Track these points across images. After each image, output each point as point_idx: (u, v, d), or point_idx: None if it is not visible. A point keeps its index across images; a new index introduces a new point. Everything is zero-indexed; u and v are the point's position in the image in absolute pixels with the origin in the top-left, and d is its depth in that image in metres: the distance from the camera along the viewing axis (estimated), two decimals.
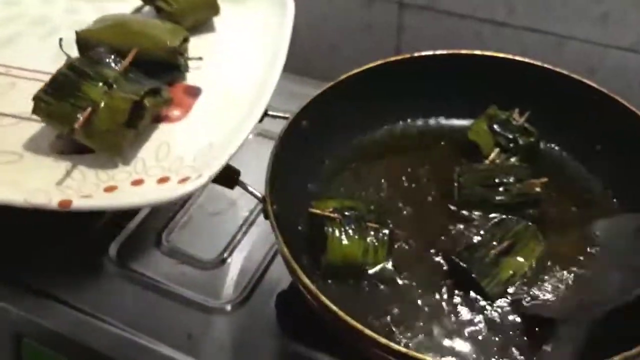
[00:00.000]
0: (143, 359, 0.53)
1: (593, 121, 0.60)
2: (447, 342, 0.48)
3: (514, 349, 0.46)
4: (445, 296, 0.50)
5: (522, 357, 0.45)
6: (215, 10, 0.62)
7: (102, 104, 0.47)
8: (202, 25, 0.62)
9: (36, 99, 0.48)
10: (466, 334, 0.48)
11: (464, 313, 0.49)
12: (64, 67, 0.49)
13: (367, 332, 0.40)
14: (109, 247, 0.61)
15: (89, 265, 0.60)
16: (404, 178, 0.60)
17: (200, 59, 0.58)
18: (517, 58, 0.61)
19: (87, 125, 0.47)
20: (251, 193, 0.51)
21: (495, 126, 0.60)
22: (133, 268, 0.60)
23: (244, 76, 0.56)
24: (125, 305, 0.57)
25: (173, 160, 0.48)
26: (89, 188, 0.46)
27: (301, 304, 0.47)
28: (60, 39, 0.56)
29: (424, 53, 0.62)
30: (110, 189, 0.46)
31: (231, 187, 0.51)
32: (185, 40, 0.58)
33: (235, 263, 0.60)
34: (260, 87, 0.53)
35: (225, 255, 0.60)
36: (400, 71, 0.62)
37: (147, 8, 0.64)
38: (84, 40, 0.55)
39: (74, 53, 0.56)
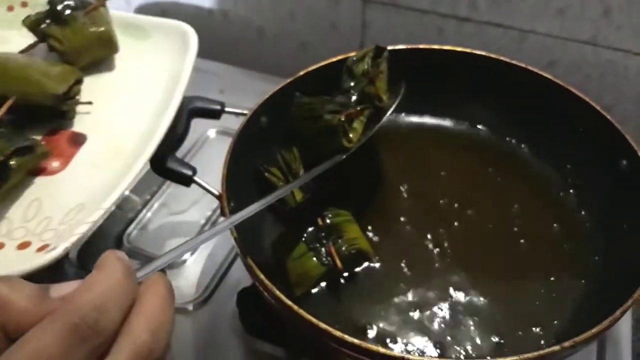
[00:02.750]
0: None
1: (551, 114, 0.60)
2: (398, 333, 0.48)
3: None
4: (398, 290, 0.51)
5: None
6: (113, 48, 0.56)
7: None
8: (101, 64, 0.56)
9: None
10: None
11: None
12: None
13: (322, 325, 0.40)
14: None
15: (48, 269, 0.59)
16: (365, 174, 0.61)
17: (90, 103, 0.52)
18: (475, 52, 0.62)
19: None
20: (207, 190, 0.50)
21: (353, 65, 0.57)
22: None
23: (132, 121, 0.50)
24: None
25: (40, 221, 0.44)
26: None
27: (262, 301, 0.47)
28: None
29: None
30: None
31: (187, 184, 0.51)
32: (78, 82, 0.52)
33: (197, 263, 0.59)
34: (146, 135, 0.47)
35: (187, 254, 0.60)
36: None
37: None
38: None
39: None
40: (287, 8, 0.85)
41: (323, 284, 0.51)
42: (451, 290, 0.51)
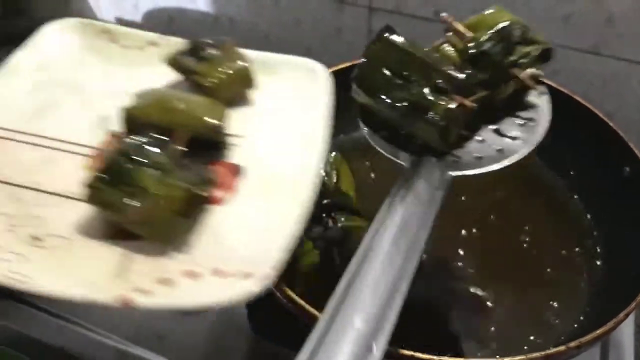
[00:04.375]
0: None
1: (554, 121, 0.61)
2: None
3: None
4: None
5: None
6: (250, 83, 0.57)
7: (157, 193, 0.43)
8: (237, 99, 0.57)
9: (91, 187, 0.44)
10: None
11: None
12: (116, 152, 0.45)
13: None
14: None
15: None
16: (371, 180, 0.62)
17: (240, 135, 0.53)
18: None
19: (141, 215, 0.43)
20: None
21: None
22: None
23: (284, 152, 0.51)
24: (98, 307, 0.57)
25: (225, 249, 0.43)
26: (143, 281, 0.41)
27: (272, 302, 0.47)
28: (104, 117, 0.52)
29: None
30: (165, 282, 0.41)
31: None
32: (226, 116, 0.53)
33: None
34: (301, 165, 0.48)
35: None
36: None
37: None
38: (131, 117, 0.51)
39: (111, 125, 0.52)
40: (292, 15, 0.86)
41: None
42: (457, 294, 0.52)
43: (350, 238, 0.52)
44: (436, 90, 0.37)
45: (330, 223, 0.52)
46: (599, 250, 0.54)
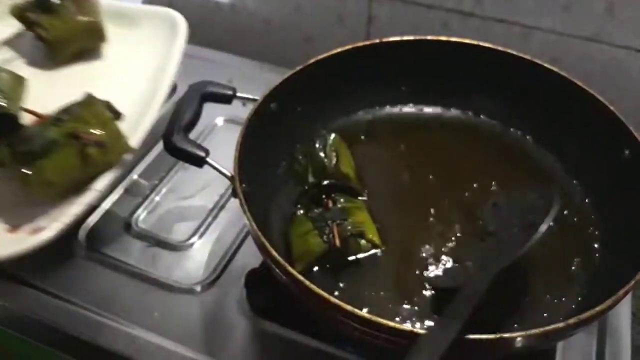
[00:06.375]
0: (114, 341, 0.53)
1: (555, 106, 0.61)
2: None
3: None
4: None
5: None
6: (102, 38, 0.55)
7: None
8: (90, 52, 0.56)
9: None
10: None
11: None
12: None
13: (333, 300, 0.41)
14: (77, 231, 0.61)
15: (57, 250, 0.59)
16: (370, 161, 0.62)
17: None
18: (482, 44, 0.63)
19: None
20: (219, 171, 0.51)
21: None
22: (103, 252, 0.60)
23: (121, 109, 0.51)
24: (96, 288, 0.57)
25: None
26: None
27: (270, 282, 0.48)
28: None
29: (391, 39, 0.63)
30: None
31: (199, 165, 0.52)
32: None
33: (206, 245, 0.60)
34: (135, 123, 0.48)
35: (196, 237, 0.61)
36: (369, 57, 0.63)
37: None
38: None
39: None
40: (293, 1, 0.86)
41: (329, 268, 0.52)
42: None
43: (348, 218, 0.52)
44: None
45: (330, 204, 0.53)
46: (597, 233, 0.55)
